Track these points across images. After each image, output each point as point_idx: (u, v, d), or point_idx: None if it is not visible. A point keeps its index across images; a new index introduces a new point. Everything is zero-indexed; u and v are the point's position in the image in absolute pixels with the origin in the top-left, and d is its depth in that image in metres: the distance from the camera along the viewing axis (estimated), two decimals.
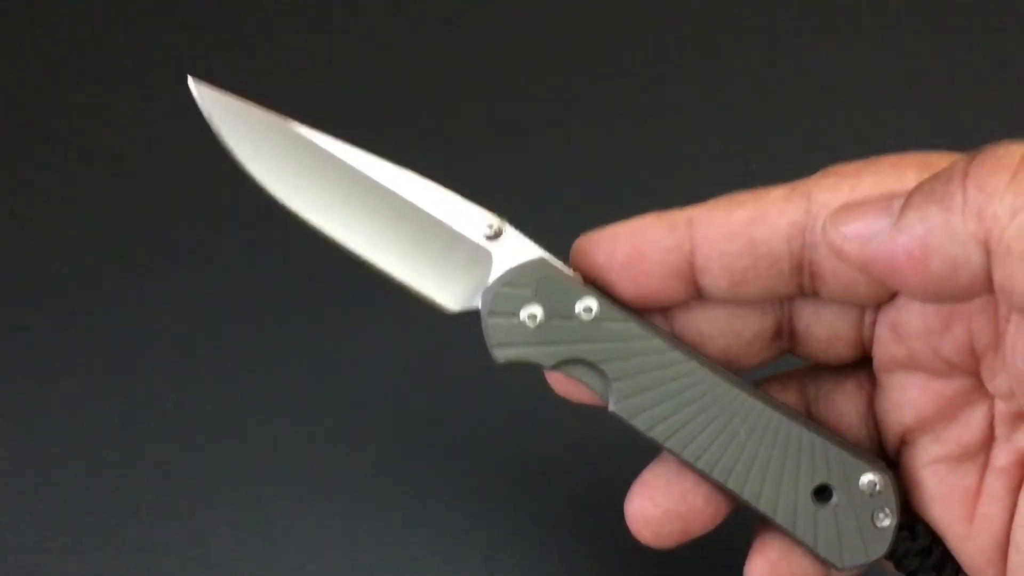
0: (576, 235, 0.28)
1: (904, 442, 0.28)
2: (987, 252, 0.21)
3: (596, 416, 0.29)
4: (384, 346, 0.42)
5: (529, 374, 0.28)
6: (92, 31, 0.52)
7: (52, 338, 0.43)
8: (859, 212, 0.23)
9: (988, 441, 0.26)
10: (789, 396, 0.29)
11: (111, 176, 0.47)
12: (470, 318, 0.28)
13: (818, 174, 0.26)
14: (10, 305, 0.44)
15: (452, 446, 0.40)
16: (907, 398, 0.27)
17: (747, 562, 0.28)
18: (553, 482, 0.39)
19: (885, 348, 0.27)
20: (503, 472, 0.39)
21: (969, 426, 0.26)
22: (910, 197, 0.22)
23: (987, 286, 0.22)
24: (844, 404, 0.29)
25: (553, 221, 0.32)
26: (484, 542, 0.38)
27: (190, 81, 0.27)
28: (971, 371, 0.26)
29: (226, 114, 0.27)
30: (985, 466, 0.26)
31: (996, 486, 0.26)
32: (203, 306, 0.44)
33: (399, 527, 0.38)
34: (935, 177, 0.22)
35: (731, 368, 0.28)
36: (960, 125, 0.48)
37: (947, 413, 0.27)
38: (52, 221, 0.46)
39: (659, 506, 0.28)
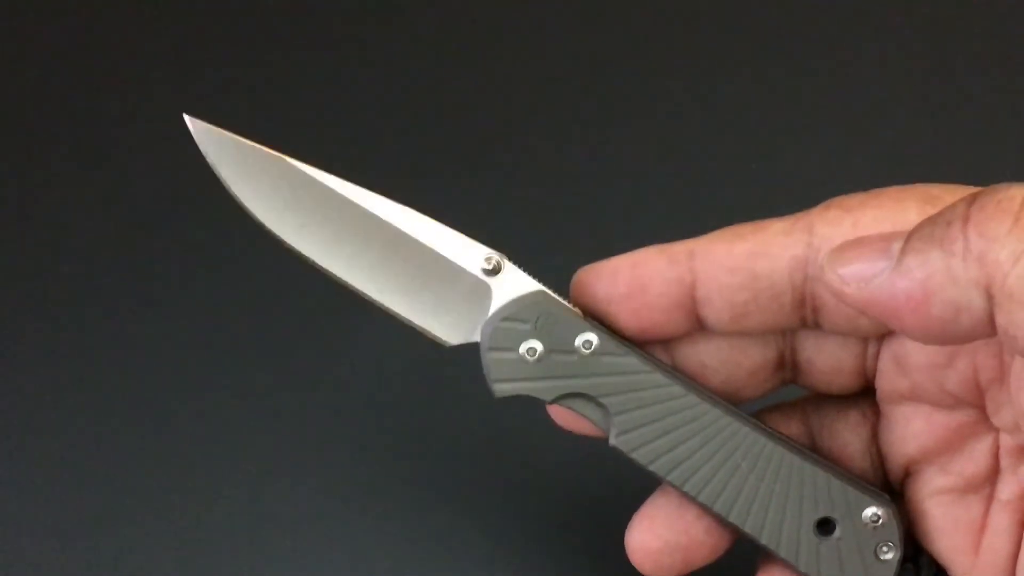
0: (575, 269, 0.28)
1: (908, 473, 0.28)
2: (989, 297, 0.21)
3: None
4: (383, 350, 0.42)
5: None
6: (93, 31, 0.52)
7: (52, 337, 0.43)
8: (857, 253, 0.23)
9: (993, 474, 0.26)
10: (791, 426, 0.29)
11: (111, 177, 0.47)
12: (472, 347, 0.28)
13: (820, 206, 0.26)
14: (10, 305, 0.44)
15: (453, 454, 0.40)
16: (911, 430, 0.27)
17: None
18: (553, 499, 0.39)
19: (888, 380, 0.27)
20: (503, 484, 0.39)
21: (974, 458, 0.26)
22: (910, 239, 0.22)
23: (989, 330, 0.22)
24: (847, 435, 0.28)
25: (552, 255, 0.32)
26: (483, 555, 0.38)
27: (187, 119, 0.27)
28: (976, 404, 0.26)
29: (223, 152, 0.27)
30: (990, 499, 0.26)
31: (1001, 519, 0.26)
32: (202, 309, 0.44)
33: (398, 532, 0.38)
34: (935, 219, 0.22)
35: (733, 399, 0.28)
36: (961, 125, 0.48)
37: (952, 445, 0.26)
38: (52, 221, 0.46)
39: (660, 538, 0.28)
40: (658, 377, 0.27)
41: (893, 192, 0.25)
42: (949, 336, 0.22)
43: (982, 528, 0.26)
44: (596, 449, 0.38)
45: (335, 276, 0.28)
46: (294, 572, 0.38)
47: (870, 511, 0.27)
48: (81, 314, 0.44)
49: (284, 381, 0.42)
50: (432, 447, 0.40)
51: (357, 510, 0.39)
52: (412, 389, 0.41)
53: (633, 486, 0.29)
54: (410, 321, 0.28)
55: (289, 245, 0.27)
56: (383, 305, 0.28)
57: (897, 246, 0.22)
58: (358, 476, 0.40)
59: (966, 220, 0.21)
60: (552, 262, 0.28)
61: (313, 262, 0.27)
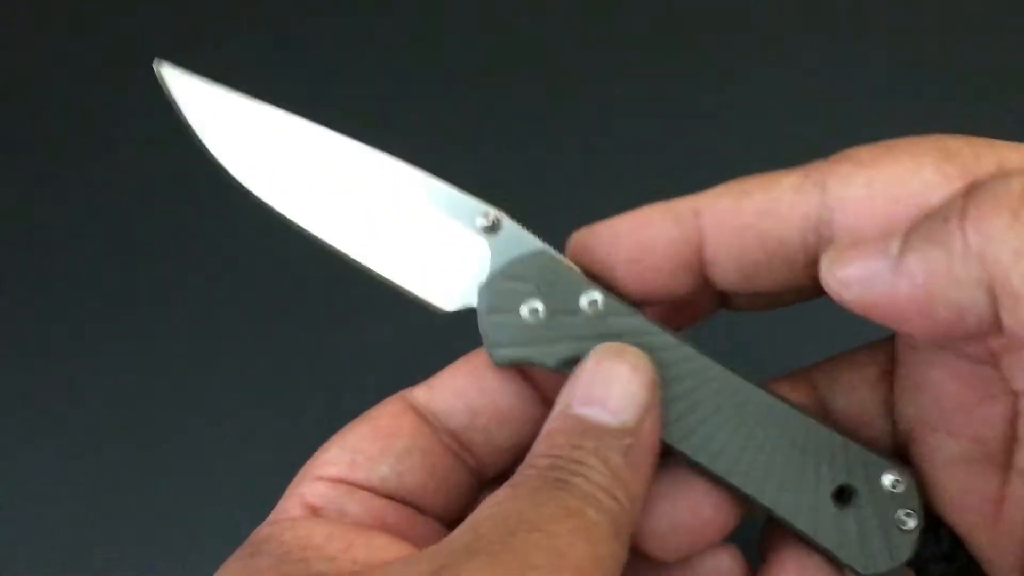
0: (576, 226, 0.26)
1: (922, 441, 0.26)
2: (993, 296, 0.20)
3: None
4: (380, 343, 0.42)
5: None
6: (92, 30, 0.52)
7: (52, 336, 0.43)
8: (856, 255, 0.22)
9: (1010, 442, 0.25)
10: (799, 396, 0.28)
11: (110, 176, 0.47)
12: (468, 316, 0.26)
13: (831, 159, 0.25)
14: (11, 304, 0.44)
15: None
16: (926, 397, 0.26)
17: None
18: None
19: (903, 347, 0.26)
20: None
21: (991, 425, 0.25)
22: (908, 238, 0.22)
23: (996, 326, 0.21)
24: (857, 404, 0.27)
25: (552, 212, 0.31)
26: None
27: (158, 63, 0.25)
28: (994, 369, 0.25)
29: (195, 99, 0.25)
30: (1007, 467, 0.25)
31: (1020, 489, 0.25)
32: (200, 306, 0.44)
33: None
34: (932, 216, 0.21)
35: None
36: (962, 122, 0.48)
37: (968, 412, 0.25)
38: (52, 221, 0.46)
39: (665, 518, 0.26)
40: (668, 339, 0.25)
41: (907, 145, 0.25)
42: (957, 336, 0.22)
43: (1001, 499, 0.25)
44: None
45: (318, 238, 0.26)
46: None
47: (889, 477, 0.25)
48: (81, 313, 0.44)
49: (281, 379, 0.42)
50: None
51: None
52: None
53: None
54: (401, 287, 0.26)
55: (263, 202, 0.25)
56: (371, 270, 0.26)
57: (896, 245, 0.22)
58: None
59: (963, 216, 0.21)
60: (551, 220, 0.26)
61: (286, 218, 0.25)
